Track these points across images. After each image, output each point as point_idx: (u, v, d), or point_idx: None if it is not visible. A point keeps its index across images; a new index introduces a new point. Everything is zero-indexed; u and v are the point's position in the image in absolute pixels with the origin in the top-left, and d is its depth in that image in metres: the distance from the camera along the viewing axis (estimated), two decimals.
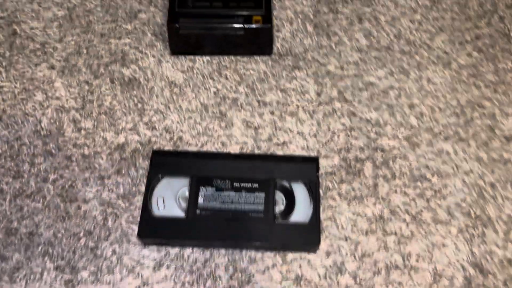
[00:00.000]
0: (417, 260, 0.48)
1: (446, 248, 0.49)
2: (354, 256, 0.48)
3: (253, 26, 0.56)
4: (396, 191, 0.51)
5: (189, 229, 0.47)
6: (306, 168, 0.50)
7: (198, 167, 0.50)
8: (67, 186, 0.52)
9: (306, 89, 0.58)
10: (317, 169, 0.50)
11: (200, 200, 0.48)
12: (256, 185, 0.49)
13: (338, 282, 0.47)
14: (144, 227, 0.47)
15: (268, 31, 0.57)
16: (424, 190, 0.52)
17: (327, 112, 0.56)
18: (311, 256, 0.48)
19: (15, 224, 0.50)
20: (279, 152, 0.54)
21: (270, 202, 0.48)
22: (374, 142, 0.54)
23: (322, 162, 0.53)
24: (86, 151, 0.54)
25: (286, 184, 0.50)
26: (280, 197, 0.49)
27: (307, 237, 0.47)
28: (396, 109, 0.57)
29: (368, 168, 0.53)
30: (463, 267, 0.48)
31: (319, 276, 0.47)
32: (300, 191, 0.49)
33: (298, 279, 0.47)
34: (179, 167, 0.50)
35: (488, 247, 0.49)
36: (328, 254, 0.48)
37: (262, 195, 0.49)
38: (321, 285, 0.47)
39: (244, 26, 0.56)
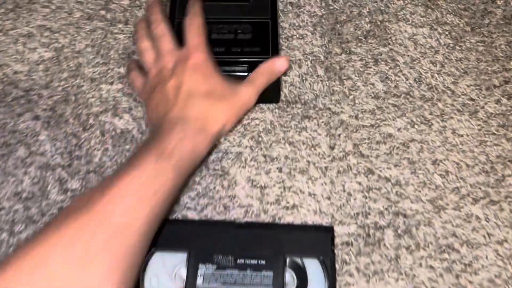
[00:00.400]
0: None
1: None
2: None
3: None
4: (421, 265, 0.46)
5: None
6: (320, 239, 0.45)
7: (197, 238, 0.45)
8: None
9: (317, 142, 0.52)
10: (333, 241, 0.44)
11: (199, 280, 0.43)
12: (263, 262, 0.43)
13: None
14: None
15: (275, 81, 0.52)
16: (452, 263, 0.46)
17: (341, 169, 0.51)
18: None
19: None
20: (289, 217, 0.48)
21: (279, 282, 0.42)
22: (395, 205, 0.49)
23: (338, 230, 0.47)
24: None
25: (297, 260, 0.44)
26: (290, 276, 0.43)
27: None
28: (419, 165, 0.51)
29: (389, 237, 0.47)
30: None
31: None
32: (313, 268, 0.43)
33: None
34: (175, 239, 0.45)
35: None
36: None
37: (270, 274, 0.43)
38: None
39: (248, 74, 0.51)
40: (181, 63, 0.47)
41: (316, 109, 0.54)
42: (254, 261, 0.43)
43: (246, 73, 0.51)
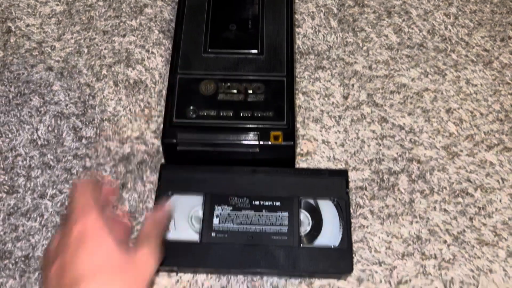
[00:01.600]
0: None
1: (493, 274, 0.43)
2: (390, 283, 0.43)
3: (270, 143, 0.44)
4: (435, 208, 0.46)
5: (203, 254, 0.41)
6: (334, 183, 0.45)
7: (213, 183, 0.45)
8: (66, 202, 0.46)
9: (331, 92, 0.52)
10: (347, 184, 0.45)
11: (215, 221, 0.43)
12: (278, 203, 0.44)
13: None
14: None
15: (290, 149, 0.45)
16: (466, 207, 0.46)
17: (355, 117, 0.51)
18: (340, 283, 0.43)
19: (9, 246, 0.44)
20: (303, 164, 0.48)
21: (294, 222, 0.43)
22: (409, 152, 0.49)
23: (352, 175, 0.47)
24: (88, 163, 0.48)
25: (312, 202, 0.44)
26: (305, 217, 0.44)
27: (337, 263, 0.41)
28: (432, 114, 0.51)
29: (403, 182, 0.47)
30: None
31: None
32: (328, 209, 0.44)
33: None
34: (191, 183, 0.45)
35: None
36: (360, 281, 0.43)
37: (285, 214, 0.43)
38: None
39: (259, 143, 0.44)
40: (65, 237, 0.34)
41: (330, 59, 0.54)
42: (270, 203, 0.44)
43: (256, 142, 0.44)
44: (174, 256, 0.41)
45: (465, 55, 0.54)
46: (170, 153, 0.46)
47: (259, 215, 0.43)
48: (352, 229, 0.45)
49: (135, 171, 0.48)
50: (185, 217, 0.44)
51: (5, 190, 0.47)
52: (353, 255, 0.43)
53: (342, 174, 0.45)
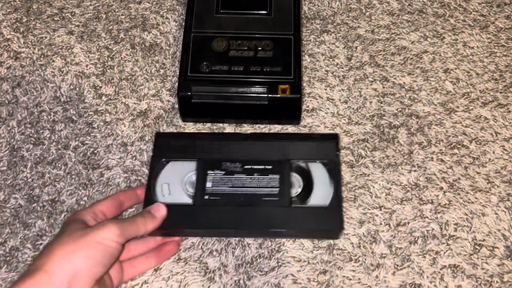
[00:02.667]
0: (455, 230, 0.46)
1: (486, 217, 0.46)
2: (389, 225, 0.46)
3: (279, 96, 0.48)
4: (432, 159, 0.49)
5: (196, 216, 0.43)
6: (325, 146, 0.46)
7: (206, 150, 0.46)
8: (88, 153, 0.50)
9: (336, 54, 0.55)
10: (337, 146, 0.46)
11: (208, 184, 0.44)
12: (269, 167, 0.45)
13: (372, 252, 0.45)
14: None
15: (297, 102, 0.48)
16: (462, 157, 0.49)
17: (358, 77, 0.54)
18: (344, 225, 0.46)
19: (37, 191, 0.48)
20: (308, 119, 0.51)
21: (285, 184, 0.44)
22: (408, 108, 0.52)
23: (354, 129, 0.51)
24: (108, 118, 0.52)
25: (302, 164, 0.46)
26: (296, 179, 0.45)
27: (328, 222, 0.43)
28: (431, 73, 0.54)
29: (402, 135, 0.50)
30: (504, 237, 0.45)
31: (353, 245, 0.45)
32: (318, 171, 0.45)
33: (330, 248, 0.45)
34: (185, 151, 0.46)
35: None
36: (361, 223, 0.46)
37: (277, 177, 0.45)
38: (354, 254, 0.45)
39: (268, 95, 0.47)
40: None
41: (334, 24, 0.57)
42: (261, 167, 0.45)
43: (265, 95, 0.47)
44: (169, 219, 0.42)
45: (463, 20, 0.57)
46: (185, 106, 0.49)
47: (250, 178, 0.45)
48: (354, 177, 0.48)
49: (152, 125, 0.51)
50: (180, 182, 0.45)
51: (32, 142, 0.50)
52: (343, 214, 0.44)
53: (333, 138, 0.47)
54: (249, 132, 0.50)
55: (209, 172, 0.45)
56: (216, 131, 0.51)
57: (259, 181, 0.45)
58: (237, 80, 0.48)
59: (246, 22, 0.51)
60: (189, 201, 0.44)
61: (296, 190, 0.45)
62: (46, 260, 0.35)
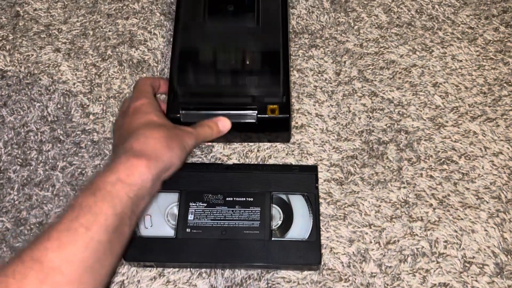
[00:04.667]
0: (445, 247, 0.46)
1: (475, 233, 0.46)
2: (379, 244, 0.46)
3: (268, 116, 0.47)
4: (421, 175, 0.49)
5: (178, 249, 0.44)
6: (305, 178, 0.47)
7: (188, 180, 0.47)
8: (76, 173, 0.49)
9: (324, 69, 0.55)
10: (316, 178, 0.47)
11: (190, 217, 0.45)
12: (250, 199, 0.46)
13: (362, 271, 0.45)
14: (132, 249, 0.43)
15: (286, 122, 0.48)
16: (451, 173, 0.49)
17: (346, 92, 0.54)
18: (333, 244, 0.46)
19: (24, 213, 0.48)
20: (298, 135, 0.51)
21: (266, 217, 0.45)
22: (397, 123, 0.52)
23: (343, 146, 0.50)
24: (96, 137, 0.51)
25: (283, 197, 0.46)
26: (277, 211, 0.46)
27: (307, 255, 0.43)
28: (420, 88, 0.54)
29: (391, 151, 0.50)
30: (494, 254, 0.45)
31: (343, 265, 0.45)
32: (298, 203, 0.46)
33: (320, 267, 0.45)
34: (167, 181, 0.42)
35: None
36: (351, 241, 0.46)
37: (258, 209, 0.45)
38: (344, 274, 0.44)
39: (257, 115, 0.47)
40: (126, 110, 0.45)
41: (323, 38, 0.57)
42: (243, 199, 0.46)
43: (255, 115, 0.46)
44: (151, 252, 0.43)
45: (451, 33, 0.57)
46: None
47: (232, 211, 0.45)
48: (343, 194, 0.48)
49: None
50: (162, 214, 0.46)
51: (19, 163, 0.50)
52: (321, 247, 0.44)
53: (312, 170, 0.48)
54: (231, 162, 0.50)
55: (191, 204, 0.46)
56: (205, 149, 0.51)
57: (240, 213, 0.45)
58: (226, 102, 0.47)
59: (234, 32, 0.51)
60: (171, 232, 0.45)
61: (277, 222, 0.46)
62: (147, 147, 0.38)
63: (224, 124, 0.46)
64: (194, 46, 0.51)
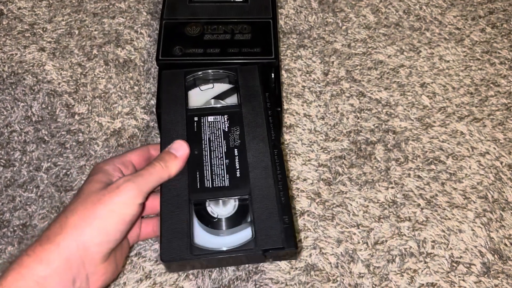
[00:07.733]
0: (432, 247, 0.45)
1: (463, 233, 0.46)
2: (367, 244, 0.46)
3: None
4: (409, 175, 0.49)
5: None
6: None
7: None
8: (61, 174, 0.49)
9: (312, 69, 0.55)
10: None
11: None
12: None
13: (350, 271, 0.44)
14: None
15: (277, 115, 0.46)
16: (439, 173, 0.49)
17: (334, 92, 0.53)
18: (322, 245, 0.46)
19: (7, 215, 0.47)
20: (287, 135, 0.51)
21: None
22: (385, 123, 0.52)
23: (331, 146, 0.50)
24: (81, 138, 0.51)
25: None
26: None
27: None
28: (407, 88, 0.54)
29: (379, 151, 0.50)
30: (481, 253, 0.45)
31: (331, 265, 0.45)
32: None
33: (308, 268, 0.44)
34: None
35: (507, 231, 0.46)
36: (339, 242, 0.46)
37: None
38: (332, 275, 0.44)
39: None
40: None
41: (311, 38, 0.57)
42: None
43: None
44: None
45: (439, 33, 0.57)
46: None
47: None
48: (331, 195, 0.48)
49: (126, 144, 0.50)
50: None
51: (2, 164, 0.49)
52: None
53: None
54: None
55: None
56: None
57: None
58: (213, 62, 0.46)
59: (221, 9, 0.51)
60: None
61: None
62: (59, 230, 0.33)
63: (179, 148, 0.38)
64: (179, 17, 0.51)
